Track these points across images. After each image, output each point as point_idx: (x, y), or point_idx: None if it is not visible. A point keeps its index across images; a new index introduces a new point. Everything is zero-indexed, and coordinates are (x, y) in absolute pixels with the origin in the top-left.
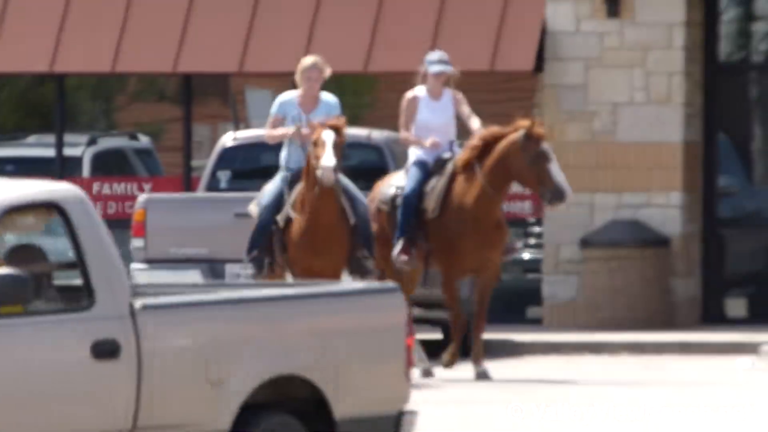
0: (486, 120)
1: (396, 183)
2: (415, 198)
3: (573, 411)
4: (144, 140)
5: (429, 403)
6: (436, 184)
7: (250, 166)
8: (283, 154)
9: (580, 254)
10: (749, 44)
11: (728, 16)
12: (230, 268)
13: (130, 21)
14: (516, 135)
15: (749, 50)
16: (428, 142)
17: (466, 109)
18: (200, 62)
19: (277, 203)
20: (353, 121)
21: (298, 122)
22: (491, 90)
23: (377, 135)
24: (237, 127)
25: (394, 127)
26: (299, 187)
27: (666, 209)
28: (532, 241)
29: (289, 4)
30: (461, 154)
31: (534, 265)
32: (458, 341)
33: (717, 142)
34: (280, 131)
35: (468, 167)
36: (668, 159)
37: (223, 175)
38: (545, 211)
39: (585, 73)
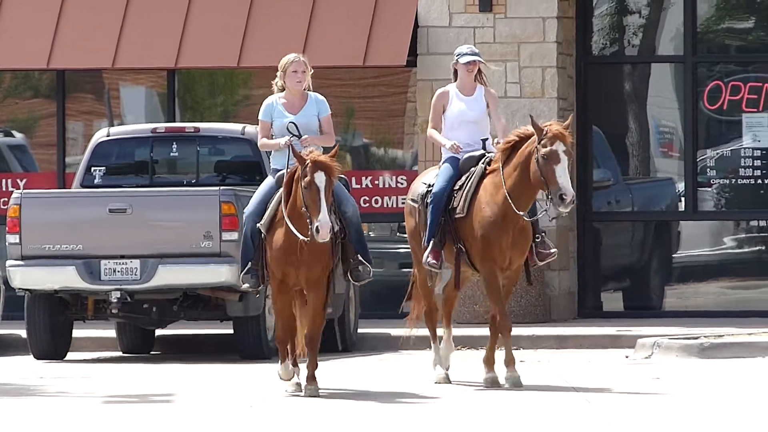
0: (359, 116)
1: (428, 180)
2: (444, 197)
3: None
4: (18, 136)
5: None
6: (466, 183)
7: (125, 161)
8: (272, 158)
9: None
10: (622, 38)
11: (601, 10)
12: (105, 264)
13: (2, 17)
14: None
15: (622, 44)
16: (449, 145)
17: (496, 107)
18: (73, 58)
19: (262, 210)
20: (227, 117)
21: (288, 130)
22: (365, 85)
23: (251, 129)
24: (111, 123)
25: None
26: (279, 194)
27: (540, 202)
28: (406, 235)
29: (161, 2)
30: (495, 154)
31: (409, 259)
32: (494, 341)
33: (591, 136)
34: (271, 142)
35: (497, 167)
36: None
37: (98, 171)
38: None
39: None
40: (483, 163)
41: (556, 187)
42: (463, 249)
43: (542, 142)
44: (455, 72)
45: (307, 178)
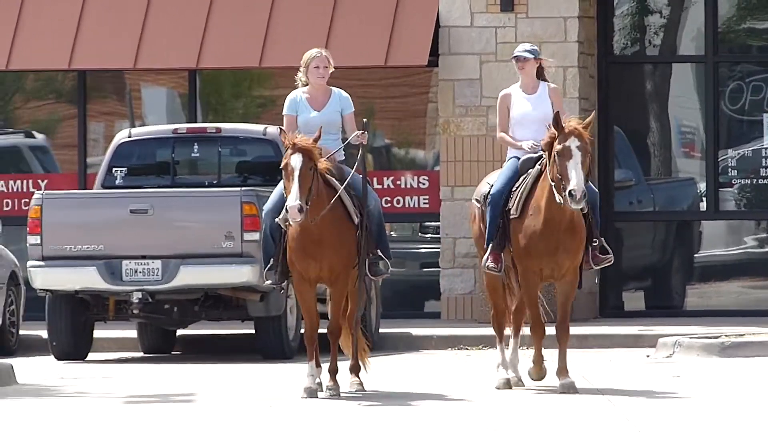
0: (381, 116)
1: (491, 180)
2: (501, 198)
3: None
4: (39, 137)
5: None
6: (522, 184)
7: (146, 162)
8: None
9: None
10: (643, 38)
11: (622, 9)
12: (127, 265)
13: (23, 18)
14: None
15: (643, 44)
16: (527, 145)
17: (561, 104)
18: (95, 59)
19: (281, 206)
20: (248, 117)
21: (306, 123)
22: (386, 85)
23: (272, 130)
24: (133, 124)
25: None
26: None
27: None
28: (428, 235)
29: (182, 2)
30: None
31: (431, 259)
32: (540, 349)
33: (613, 136)
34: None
35: (544, 168)
36: None
37: (119, 172)
38: (441, 205)
39: (479, 67)
40: (539, 165)
41: (567, 182)
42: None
43: (558, 138)
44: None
45: (284, 161)
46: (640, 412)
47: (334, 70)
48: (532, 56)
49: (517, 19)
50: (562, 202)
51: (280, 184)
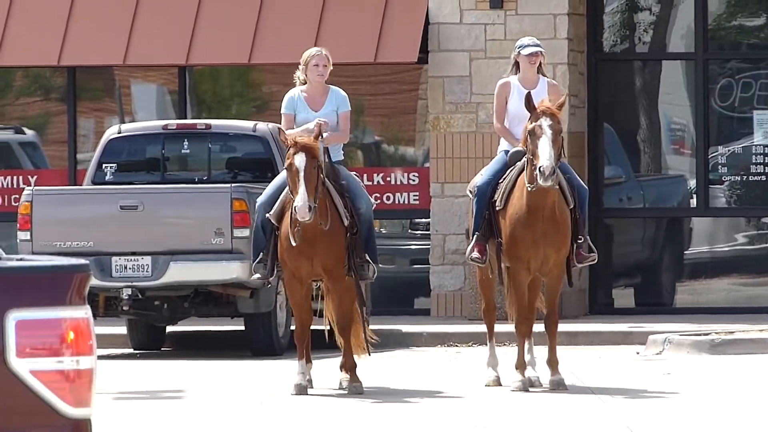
0: (371, 113)
1: (484, 172)
2: (488, 190)
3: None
4: (29, 133)
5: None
6: (508, 175)
7: (136, 158)
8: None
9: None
10: (633, 35)
11: (612, 6)
12: (116, 261)
13: (13, 14)
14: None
15: (633, 41)
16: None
17: (561, 97)
18: (84, 55)
19: (274, 201)
20: (238, 114)
21: (305, 122)
22: (376, 82)
23: (262, 127)
24: (122, 120)
25: (280, 119)
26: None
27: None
28: (418, 232)
29: None
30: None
31: (421, 256)
32: (522, 354)
33: (602, 133)
34: (298, 131)
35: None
36: None
37: (109, 168)
38: (431, 202)
39: (469, 64)
40: (526, 157)
41: (537, 160)
42: (502, 243)
43: (530, 118)
44: (516, 64)
45: (288, 160)
46: (629, 409)
47: (332, 68)
48: (542, 50)
49: (506, 16)
50: (535, 182)
51: (276, 179)
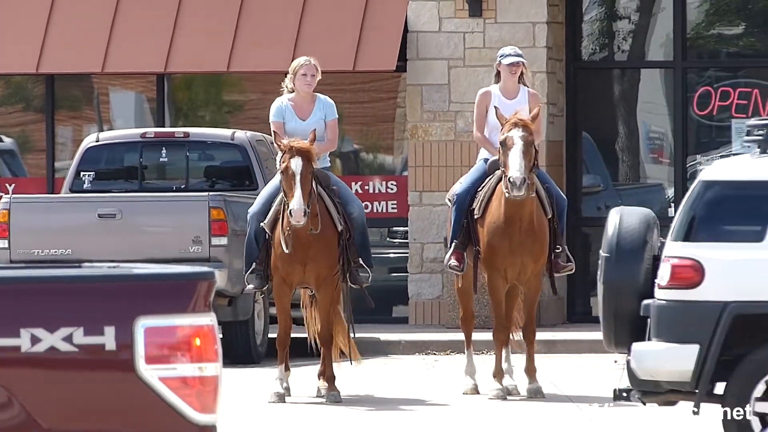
0: (349, 121)
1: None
2: (467, 198)
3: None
4: (7, 141)
5: None
6: (487, 184)
7: (114, 166)
8: (278, 157)
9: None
10: (612, 43)
11: (591, 15)
12: None
13: None
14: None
15: (612, 49)
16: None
17: (535, 109)
18: (63, 63)
19: (267, 210)
20: (216, 122)
21: (294, 131)
22: (354, 90)
23: (240, 135)
24: (101, 128)
25: (258, 127)
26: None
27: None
28: (397, 240)
29: (151, 5)
30: None
31: (399, 264)
32: (500, 361)
33: (581, 141)
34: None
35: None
36: None
37: (87, 176)
38: (409, 210)
39: (448, 72)
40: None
41: (507, 170)
42: (480, 251)
43: (503, 129)
44: (497, 73)
45: (284, 164)
46: (607, 417)
47: (321, 78)
48: (523, 60)
49: (485, 25)
50: (507, 192)
51: (267, 188)
